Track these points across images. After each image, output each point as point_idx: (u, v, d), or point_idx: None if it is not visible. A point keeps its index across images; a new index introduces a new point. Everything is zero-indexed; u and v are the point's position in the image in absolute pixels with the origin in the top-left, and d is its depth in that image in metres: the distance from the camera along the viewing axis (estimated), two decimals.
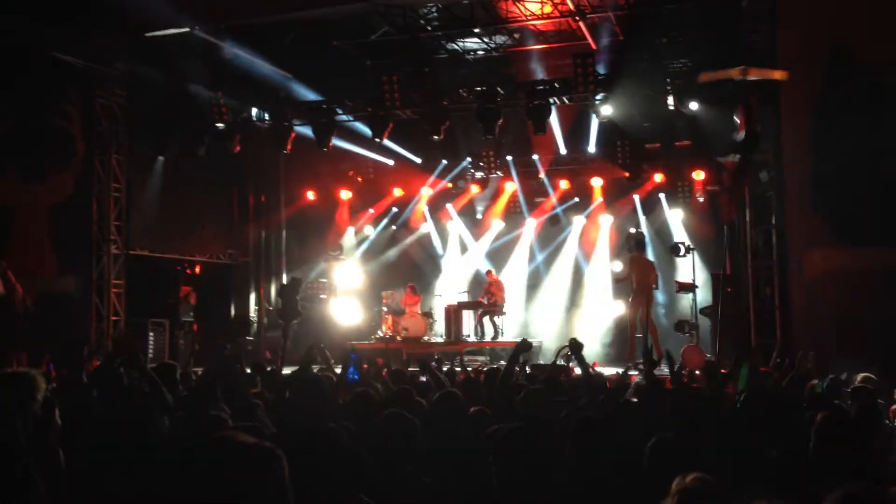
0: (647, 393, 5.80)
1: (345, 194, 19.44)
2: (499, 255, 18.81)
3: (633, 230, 16.94)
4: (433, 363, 9.23)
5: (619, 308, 17.24)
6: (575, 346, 6.75)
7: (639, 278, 14.78)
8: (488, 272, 17.49)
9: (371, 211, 19.67)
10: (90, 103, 15.22)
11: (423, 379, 7.80)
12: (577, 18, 13.72)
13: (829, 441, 3.92)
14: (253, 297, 18.86)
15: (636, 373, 9.99)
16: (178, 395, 5.61)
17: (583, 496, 3.99)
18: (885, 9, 11.67)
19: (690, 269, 15.03)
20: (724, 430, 4.79)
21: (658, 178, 16.99)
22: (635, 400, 5.95)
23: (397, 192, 19.21)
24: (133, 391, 5.38)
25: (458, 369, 10.24)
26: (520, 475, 3.95)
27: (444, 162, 18.45)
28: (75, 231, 15.01)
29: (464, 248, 19.29)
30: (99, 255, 15.29)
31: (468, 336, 16.89)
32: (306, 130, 15.96)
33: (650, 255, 16.06)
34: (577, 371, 7.51)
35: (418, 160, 18.41)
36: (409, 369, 9.90)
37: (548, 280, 18.49)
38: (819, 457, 3.91)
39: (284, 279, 18.65)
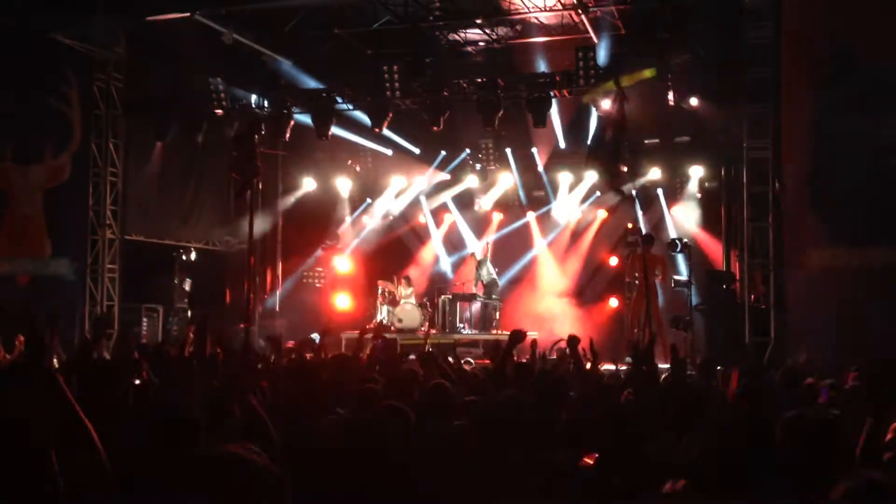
0: (638, 388, 5.76)
1: (342, 183, 19.38)
2: (496, 248, 18.74)
3: (630, 225, 16.90)
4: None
5: (616, 303, 17.25)
6: (572, 342, 6.71)
7: (640, 275, 14.70)
8: (471, 255, 17.61)
9: (368, 200, 19.62)
10: (88, 87, 15.16)
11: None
12: (580, 12, 13.66)
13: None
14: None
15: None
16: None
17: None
18: (887, 8, 11.63)
19: (686, 265, 15.01)
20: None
21: (656, 173, 16.94)
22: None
23: (395, 182, 19.15)
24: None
25: (450, 360, 10.19)
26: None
27: (444, 153, 18.41)
28: (71, 215, 15.00)
29: (460, 240, 19.24)
30: (94, 239, 15.25)
31: (462, 328, 16.87)
32: (305, 118, 15.90)
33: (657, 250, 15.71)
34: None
35: (417, 150, 18.34)
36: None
37: (545, 273, 18.45)
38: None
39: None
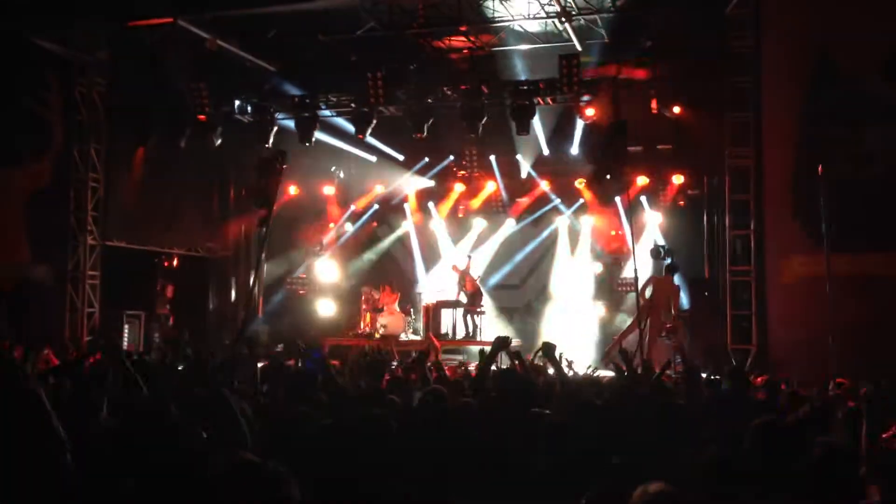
0: (621, 394, 5.77)
1: (326, 190, 19.33)
2: (480, 255, 18.75)
3: (614, 233, 16.93)
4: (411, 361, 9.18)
5: (600, 309, 17.29)
6: (547, 349, 6.69)
7: (657, 299, 14.31)
8: (453, 266, 17.54)
9: (352, 207, 19.56)
10: (70, 91, 15.05)
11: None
12: (564, 20, 13.72)
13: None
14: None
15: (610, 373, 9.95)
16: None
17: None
18: (866, 16, 11.75)
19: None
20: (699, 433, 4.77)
21: (640, 180, 16.99)
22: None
23: (379, 188, 19.12)
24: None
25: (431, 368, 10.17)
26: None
27: (427, 160, 18.40)
28: (51, 220, 14.83)
29: (444, 247, 19.22)
30: (74, 245, 15.12)
31: (445, 334, 16.85)
32: (289, 124, 15.86)
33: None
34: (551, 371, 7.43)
35: (401, 157, 18.32)
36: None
37: (529, 280, 18.47)
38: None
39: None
